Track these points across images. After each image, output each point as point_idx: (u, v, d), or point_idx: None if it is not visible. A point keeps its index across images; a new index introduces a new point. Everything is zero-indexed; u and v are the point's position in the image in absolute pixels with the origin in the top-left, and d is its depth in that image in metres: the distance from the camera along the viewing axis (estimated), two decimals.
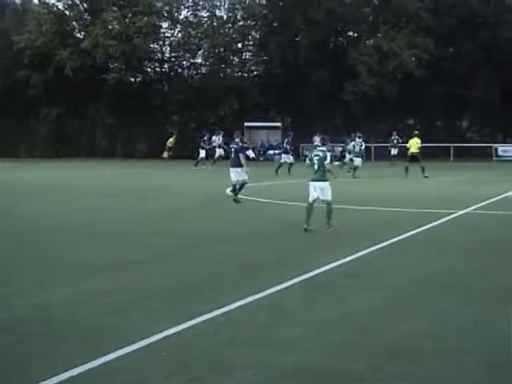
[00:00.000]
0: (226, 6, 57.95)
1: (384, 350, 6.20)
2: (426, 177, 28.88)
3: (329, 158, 13.51)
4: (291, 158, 33.50)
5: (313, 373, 5.67)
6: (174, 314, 7.23)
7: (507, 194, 21.05)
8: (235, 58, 59.31)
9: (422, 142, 30.88)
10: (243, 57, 59.24)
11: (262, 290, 8.26)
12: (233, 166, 19.72)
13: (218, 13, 57.91)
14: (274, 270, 9.77)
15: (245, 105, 54.16)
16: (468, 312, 7.42)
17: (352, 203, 18.15)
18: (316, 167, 13.36)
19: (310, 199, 13.41)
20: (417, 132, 32.36)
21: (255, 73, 60.00)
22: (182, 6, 58.38)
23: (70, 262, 10.25)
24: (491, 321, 7.10)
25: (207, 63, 59.09)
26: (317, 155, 13.46)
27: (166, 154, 45.92)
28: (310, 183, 13.57)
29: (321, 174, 13.40)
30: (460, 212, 16.22)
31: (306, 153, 32.23)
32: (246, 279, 9.12)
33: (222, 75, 57.21)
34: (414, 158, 30.24)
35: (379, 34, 51.21)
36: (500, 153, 46.62)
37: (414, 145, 30.65)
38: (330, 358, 6.03)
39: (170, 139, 46.53)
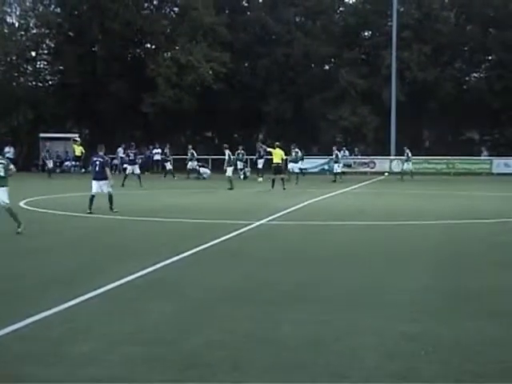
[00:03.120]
0: (18, 13, 55.50)
1: (179, 360, 6.17)
2: (284, 189, 29.19)
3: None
4: (138, 168, 33.15)
5: None
6: None
7: (304, 203, 21.99)
8: (29, 67, 56.98)
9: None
10: (37, 66, 57.07)
11: (56, 305, 7.91)
12: (97, 179, 19.05)
13: (8, 19, 55.24)
14: (69, 284, 9.38)
15: (40, 115, 52.16)
16: (252, 319, 7.57)
17: (155, 214, 18.00)
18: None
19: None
20: (278, 143, 32.90)
21: (50, 82, 57.97)
22: None
23: None
24: (275, 326, 7.27)
25: None
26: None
27: None
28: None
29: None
30: (257, 223, 16.53)
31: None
32: (40, 294, 8.68)
33: (14, 84, 54.71)
34: (277, 169, 30.60)
35: (177, 47, 51.57)
36: None
37: (279, 156, 31.03)
38: (126, 371, 5.89)
39: None
